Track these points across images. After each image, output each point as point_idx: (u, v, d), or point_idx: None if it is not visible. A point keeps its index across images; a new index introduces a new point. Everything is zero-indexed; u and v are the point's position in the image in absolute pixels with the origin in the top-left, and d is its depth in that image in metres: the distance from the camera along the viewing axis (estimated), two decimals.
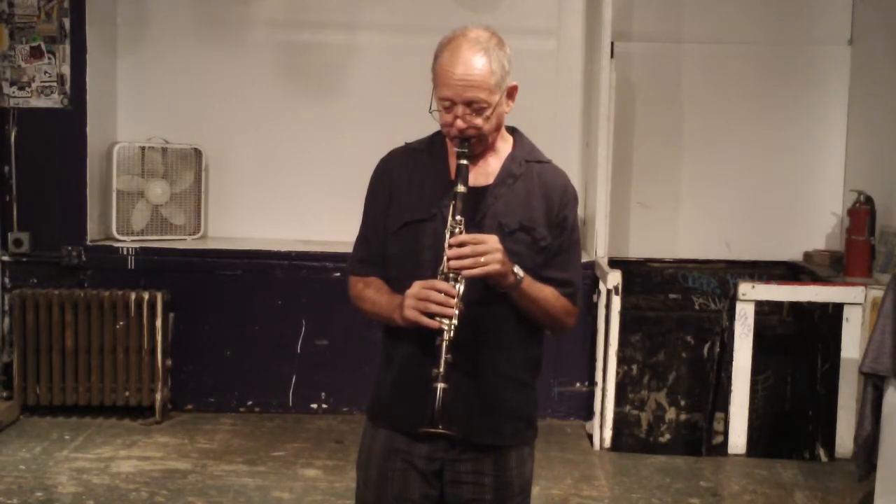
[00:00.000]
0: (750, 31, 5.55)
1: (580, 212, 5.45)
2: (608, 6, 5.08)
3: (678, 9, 5.56)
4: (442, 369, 2.08)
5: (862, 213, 4.99)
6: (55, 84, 5.14)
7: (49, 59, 5.12)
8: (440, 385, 2.08)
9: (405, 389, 2.28)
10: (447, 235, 2.15)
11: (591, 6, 5.45)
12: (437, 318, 2.10)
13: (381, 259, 2.33)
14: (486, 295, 2.19)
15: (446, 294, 2.10)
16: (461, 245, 2.12)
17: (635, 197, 5.63)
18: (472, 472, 2.29)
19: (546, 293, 2.25)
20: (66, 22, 5.11)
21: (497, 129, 2.28)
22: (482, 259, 2.11)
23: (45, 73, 5.13)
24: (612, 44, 5.13)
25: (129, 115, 5.53)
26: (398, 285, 2.24)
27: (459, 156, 2.21)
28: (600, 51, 5.14)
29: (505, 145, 2.33)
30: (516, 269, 2.17)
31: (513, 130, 2.37)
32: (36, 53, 5.12)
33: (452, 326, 2.10)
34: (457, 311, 2.10)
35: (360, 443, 2.42)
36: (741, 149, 5.61)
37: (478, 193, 2.24)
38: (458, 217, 2.15)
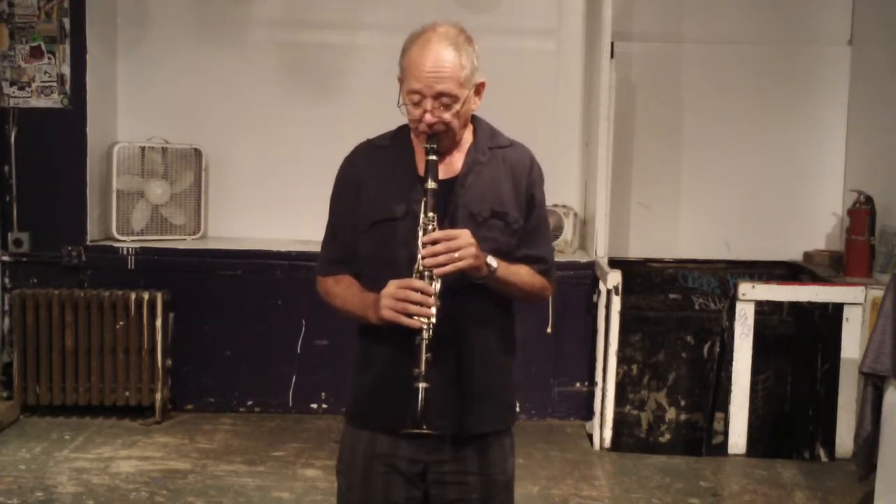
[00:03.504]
0: (750, 31, 5.55)
1: (580, 211, 5.51)
2: (608, 6, 5.08)
3: (678, 9, 5.57)
4: (423, 369, 2.07)
5: (862, 213, 4.99)
6: (55, 84, 5.14)
7: (49, 59, 5.12)
8: (422, 385, 2.06)
9: (385, 389, 2.26)
10: (420, 233, 2.14)
11: (591, 6, 5.45)
12: (416, 318, 2.09)
13: (351, 257, 2.31)
14: (461, 285, 2.18)
15: (423, 293, 2.09)
16: (434, 243, 2.11)
17: (635, 197, 5.63)
18: (456, 471, 2.28)
19: (521, 274, 2.27)
20: (66, 22, 5.11)
21: (464, 125, 2.27)
22: (456, 255, 2.11)
23: (45, 73, 5.13)
24: (612, 44, 5.13)
25: (129, 115, 5.53)
26: (371, 284, 2.23)
27: (428, 151, 2.20)
28: (600, 51, 5.14)
29: (467, 134, 2.32)
30: (489, 259, 2.18)
31: (472, 118, 2.34)
32: (36, 53, 5.12)
33: (431, 325, 2.09)
34: (434, 310, 2.09)
35: (339, 448, 2.41)
36: (741, 149, 5.61)
37: (446, 186, 2.23)
38: (430, 214, 2.14)
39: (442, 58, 2.16)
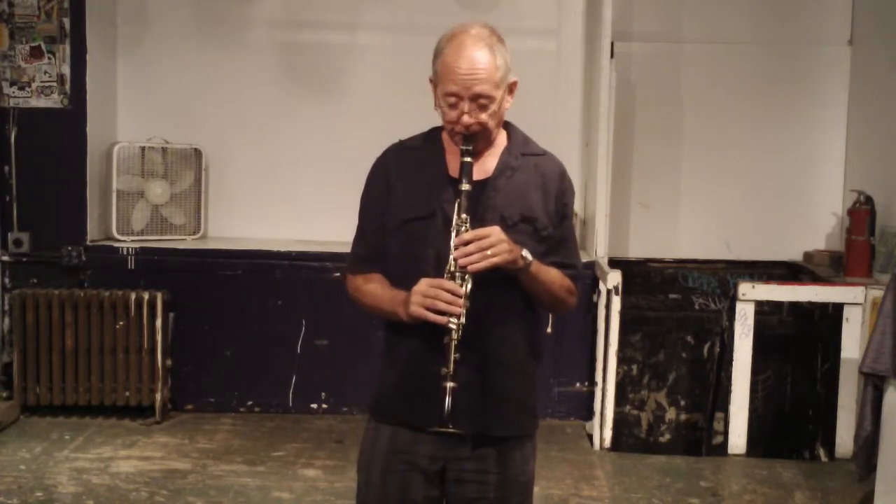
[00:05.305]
0: (750, 31, 5.55)
1: (580, 212, 5.50)
2: (608, 6, 5.08)
3: (678, 9, 5.57)
4: (451, 368, 2.09)
5: (862, 213, 4.99)
6: (55, 84, 5.14)
7: (49, 59, 5.12)
8: (450, 384, 2.09)
9: (409, 386, 2.28)
10: (453, 234, 2.15)
11: (591, 6, 5.45)
12: (445, 317, 2.11)
13: (380, 255, 2.33)
14: (490, 287, 2.19)
15: (453, 294, 2.11)
16: (466, 244, 2.12)
17: (635, 197, 5.63)
18: (476, 470, 2.29)
19: (552, 275, 2.29)
20: (66, 22, 5.10)
21: (499, 125, 2.29)
22: (488, 252, 2.12)
23: (45, 73, 5.13)
24: (612, 44, 5.13)
25: (129, 115, 5.53)
26: (398, 283, 2.25)
27: (463, 153, 2.21)
28: (600, 51, 5.14)
29: (500, 139, 2.34)
30: (524, 252, 2.19)
31: (506, 124, 2.37)
32: (36, 53, 5.12)
33: (461, 326, 2.11)
34: (464, 310, 2.11)
35: (360, 443, 2.42)
36: (741, 149, 5.61)
37: (478, 187, 2.23)
38: (463, 215, 2.16)
39: (477, 59, 2.17)
